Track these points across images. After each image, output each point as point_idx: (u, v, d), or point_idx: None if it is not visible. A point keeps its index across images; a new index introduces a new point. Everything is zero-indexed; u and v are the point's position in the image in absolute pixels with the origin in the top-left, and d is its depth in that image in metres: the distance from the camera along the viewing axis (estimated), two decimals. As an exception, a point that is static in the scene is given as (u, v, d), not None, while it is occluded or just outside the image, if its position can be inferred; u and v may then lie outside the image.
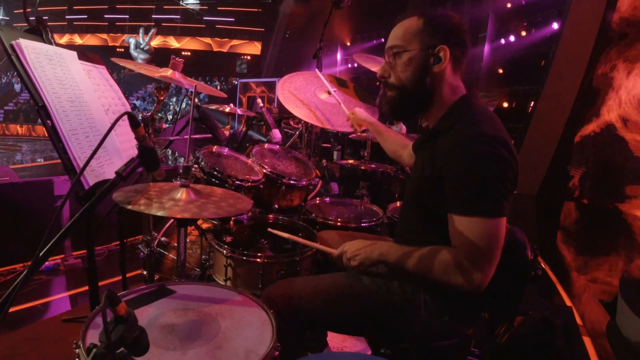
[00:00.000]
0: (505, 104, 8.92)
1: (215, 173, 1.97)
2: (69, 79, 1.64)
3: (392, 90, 1.32)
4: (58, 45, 1.70)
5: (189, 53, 22.38)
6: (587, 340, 2.56)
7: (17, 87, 20.91)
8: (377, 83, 1.40)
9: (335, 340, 2.10)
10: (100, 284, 1.78)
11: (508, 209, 1.16)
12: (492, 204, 1.12)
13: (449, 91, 1.29)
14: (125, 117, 1.10)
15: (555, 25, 8.20)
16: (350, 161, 3.14)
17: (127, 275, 2.22)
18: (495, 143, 1.14)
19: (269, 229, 1.61)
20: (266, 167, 2.16)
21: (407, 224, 1.41)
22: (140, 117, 1.62)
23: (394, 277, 1.38)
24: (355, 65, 13.03)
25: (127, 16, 24.07)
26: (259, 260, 1.60)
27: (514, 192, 1.21)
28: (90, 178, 1.52)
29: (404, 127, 3.72)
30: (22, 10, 1.76)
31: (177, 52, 22.01)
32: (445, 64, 1.24)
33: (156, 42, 20.83)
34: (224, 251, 1.63)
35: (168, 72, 1.95)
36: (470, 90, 1.33)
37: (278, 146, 2.56)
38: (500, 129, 1.19)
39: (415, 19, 1.28)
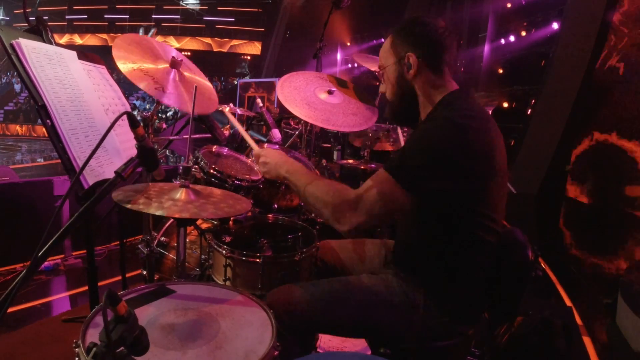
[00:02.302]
0: (505, 104, 8.91)
1: (215, 173, 1.97)
2: (68, 78, 1.64)
3: (388, 102, 1.45)
4: (58, 45, 1.70)
5: (189, 53, 22.38)
6: (587, 340, 2.56)
7: (17, 87, 20.90)
8: (377, 83, 1.51)
9: (335, 340, 2.10)
10: (100, 284, 1.78)
11: (422, 191, 1.19)
12: (409, 175, 1.18)
13: (434, 90, 1.36)
14: (125, 116, 1.10)
15: (555, 25, 8.19)
16: (350, 161, 3.14)
17: (127, 275, 2.22)
18: (453, 128, 1.19)
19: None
20: (266, 167, 2.15)
21: (404, 220, 1.42)
22: (139, 117, 1.62)
23: (388, 274, 1.39)
24: (355, 65, 13.03)
25: (127, 16, 24.07)
26: (258, 260, 1.60)
27: (485, 181, 1.23)
28: (90, 178, 1.52)
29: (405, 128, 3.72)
30: (22, 10, 1.76)
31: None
32: (415, 69, 1.33)
33: (156, 42, 20.82)
34: (223, 251, 1.63)
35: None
36: (462, 87, 1.37)
37: (278, 146, 2.56)
38: (473, 118, 1.23)
39: (389, 37, 1.40)
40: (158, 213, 1.22)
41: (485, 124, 1.23)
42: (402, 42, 1.35)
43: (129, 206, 1.21)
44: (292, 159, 1.43)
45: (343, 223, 1.22)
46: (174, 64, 1.95)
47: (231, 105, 3.31)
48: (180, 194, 1.35)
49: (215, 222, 2.00)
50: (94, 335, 0.96)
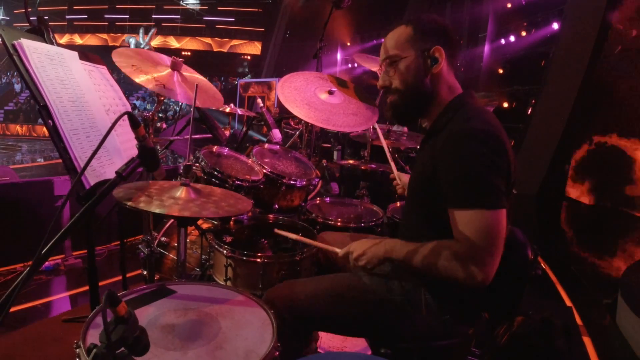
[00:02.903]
0: (505, 104, 8.90)
1: (216, 173, 1.97)
2: (70, 79, 1.64)
3: (394, 95, 1.36)
4: (59, 45, 1.70)
5: (189, 53, 22.38)
6: (587, 340, 2.56)
7: (17, 87, 20.89)
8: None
9: (335, 340, 2.10)
10: (100, 284, 1.78)
11: (505, 201, 1.16)
12: (487, 196, 1.14)
13: (446, 90, 1.34)
14: (126, 117, 1.10)
15: (555, 25, 8.18)
16: (350, 161, 3.15)
17: (127, 275, 2.22)
18: (482, 135, 1.17)
19: (275, 230, 1.60)
20: (266, 167, 2.16)
21: (409, 223, 1.41)
22: (140, 118, 1.62)
23: (396, 276, 1.38)
24: (355, 65, 13.02)
25: (127, 16, 24.06)
26: (259, 260, 1.60)
27: (511, 184, 1.23)
28: (91, 178, 1.53)
29: (405, 127, 3.72)
30: (22, 10, 1.76)
31: (177, 52, 22.00)
32: (442, 63, 1.29)
33: (156, 42, 20.83)
34: (224, 251, 1.63)
35: (167, 72, 1.95)
36: (466, 89, 1.37)
37: (278, 146, 2.56)
38: (491, 123, 1.22)
39: (403, 28, 1.33)
40: (159, 211, 1.22)
41: (500, 127, 1.24)
42: (426, 35, 1.30)
43: (130, 203, 1.21)
44: (377, 240, 1.33)
45: (477, 278, 1.13)
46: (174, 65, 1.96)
47: (231, 105, 3.31)
48: (181, 192, 1.35)
49: (216, 222, 2.01)
50: (94, 336, 0.96)
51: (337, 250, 1.40)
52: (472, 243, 1.13)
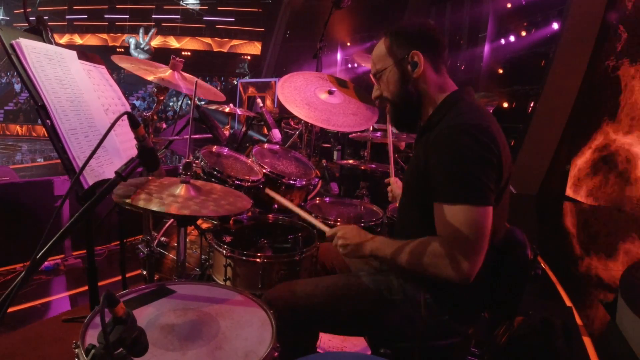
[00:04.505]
0: (505, 104, 8.90)
1: (215, 173, 1.97)
2: (68, 78, 1.64)
3: (388, 104, 1.40)
4: (58, 45, 1.70)
5: (189, 53, 22.39)
6: (587, 340, 2.56)
7: (17, 87, 20.90)
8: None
9: (335, 340, 2.10)
10: (100, 284, 1.78)
11: (492, 199, 1.16)
12: (474, 191, 1.14)
13: (436, 90, 1.34)
14: (125, 117, 1.10)
15: (555, 25, 8.18)
16: (350, 161, 3.15)
17: (127, 275, 2.22)
18: (473, 130, 1.17)
19: (267, 190, 1.58)
20: (266, 167, 2.15)
21: (404, 220, 1.42)
22: (139, 118, 1.62)
23: (389, 273, 1.39)
24: (355, 65, 13.03)
25: (127, 16, 24.09)
26: (258, 260, 1.60)
27: (506, 179, 1.22)
28: (90, 178, 1.52)
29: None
30: (22, 10, 1.76)
31: (177, 52, 21.99)
32: (422, 66, 1.30)
33: (156, 42, 20.82)
34: (224, 251, 1.63)
35: (167, 72, 1.95)
36: (462, 87, 1.37)
37: (278, 146, 2.56)
38: (483, 118, 1.22)
39: (382, 40, 1.37)
40: (158, 209, 1.22)
41: (493, 123, 1.24)
42: (403, 43, 1.32)
43: (128, 201, 1.21)
44: (368, 234, 1.36)
45: (462, 272, 1.13)
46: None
47: (231, 105, 3.31)
48: (181, 190, 1.35)
49: (216, 222, 2.00)
50: (93, 336, 0.96)
51: (326, 229, 1.42)
52: (456, 237, 1.14)
